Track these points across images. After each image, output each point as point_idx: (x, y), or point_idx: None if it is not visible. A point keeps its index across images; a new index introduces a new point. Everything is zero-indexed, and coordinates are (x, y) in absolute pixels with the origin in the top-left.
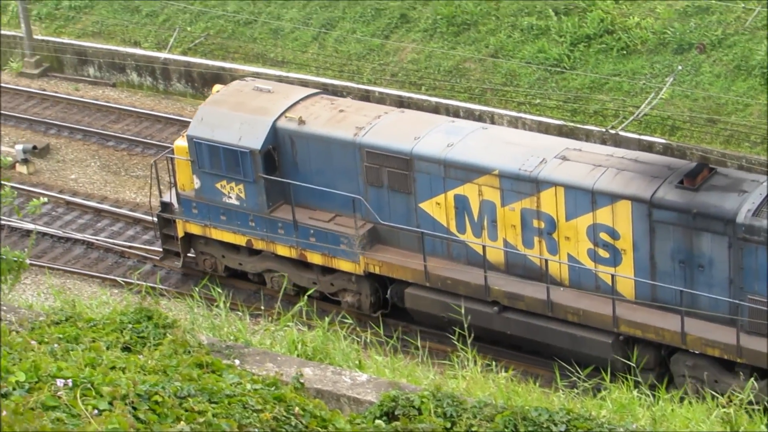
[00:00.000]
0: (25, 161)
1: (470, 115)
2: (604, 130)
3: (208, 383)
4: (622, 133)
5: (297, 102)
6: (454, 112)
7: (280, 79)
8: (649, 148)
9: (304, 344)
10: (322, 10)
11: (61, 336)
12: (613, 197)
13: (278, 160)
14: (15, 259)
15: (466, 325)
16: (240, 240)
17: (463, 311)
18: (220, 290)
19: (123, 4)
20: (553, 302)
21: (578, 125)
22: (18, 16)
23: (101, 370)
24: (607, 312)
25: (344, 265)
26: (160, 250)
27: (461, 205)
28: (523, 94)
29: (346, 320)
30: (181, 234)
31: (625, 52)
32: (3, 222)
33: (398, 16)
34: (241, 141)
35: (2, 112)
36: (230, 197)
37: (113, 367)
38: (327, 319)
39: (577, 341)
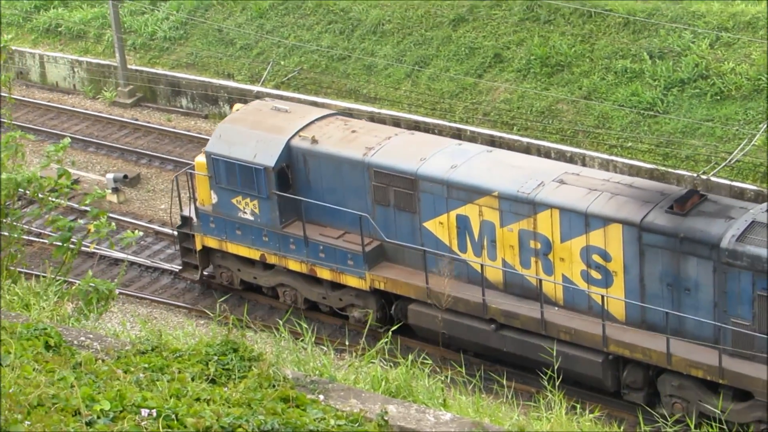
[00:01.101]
0: (116, 190)
1: (561, 156)
2: (695, 175)
3: (292, 418)
4: (713, 178)
5: (312, 122)
6: (545, 153)
7: (371, 117)
8: (740, 194)
9: (387, 381)
10: (416, 47)
11: (146, 366)
12: (606, 220)
13: (292, 178)
14: (104, 288)
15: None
16: (254, 254)
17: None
18: (305, 324)
19: (217, 36)
20: (546, 321)
21: (670, 170)
22: (113, 46)
23: (186, 402)
24: (597, 332)
25: (351, 281)
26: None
27: (463, 224)
28: (615, 137)
29: (427, 360)
30: (199, 247)
31: (718, 97)
32: (94, 250)
33: (492, 55)
34: (256, 158)
35: (94, 140)
36: (245, 212)
37: (198, 399)
38: (410, 357)
39: (569, 360)
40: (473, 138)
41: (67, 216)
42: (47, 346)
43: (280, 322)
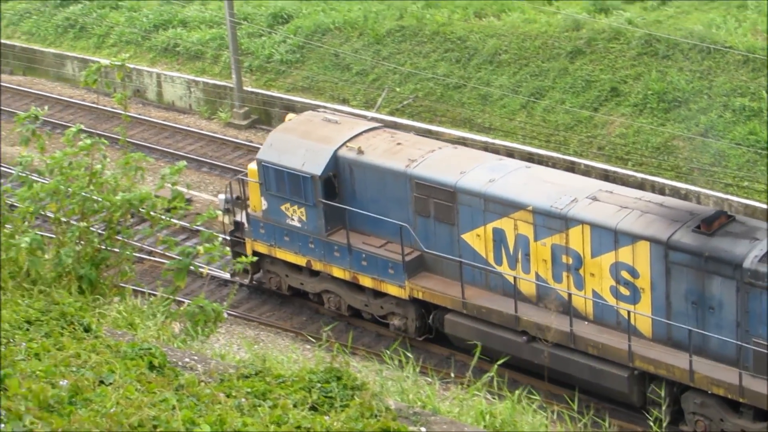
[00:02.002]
0: (227, 211)
1: (675, 193)
2: None
3: None
4: None
5: (360, 133)
6: (660, 190)
7: (485, 146)
8: None
9: (492, 415)
10: (532, 78)
11: (249, 390)
12: (634, 237)
13: (338, 187)
14: (213, 310)
15: (664, 408)
16: (300, 261)
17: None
18: (410, 354)
19: (334, 61)
20: (575, 335)
21: None
22: (230, 67)
23: (286, 429)
24: (624, 347)
25: (392, 290)
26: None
27: (499, 237)
28: (731, 175)
29: (534, 394)
30: (249, 253)
31: None
32: (206, 270)
33: (609, 89)
34: (304, 166)
35: (208, 161)
36: (293, 219)
37: (299, 427)
38: (517, 392)
39: (596, 374)
40: (587, 172)
41: (178, 236)
42: (151, 367)
43: (386, 351)
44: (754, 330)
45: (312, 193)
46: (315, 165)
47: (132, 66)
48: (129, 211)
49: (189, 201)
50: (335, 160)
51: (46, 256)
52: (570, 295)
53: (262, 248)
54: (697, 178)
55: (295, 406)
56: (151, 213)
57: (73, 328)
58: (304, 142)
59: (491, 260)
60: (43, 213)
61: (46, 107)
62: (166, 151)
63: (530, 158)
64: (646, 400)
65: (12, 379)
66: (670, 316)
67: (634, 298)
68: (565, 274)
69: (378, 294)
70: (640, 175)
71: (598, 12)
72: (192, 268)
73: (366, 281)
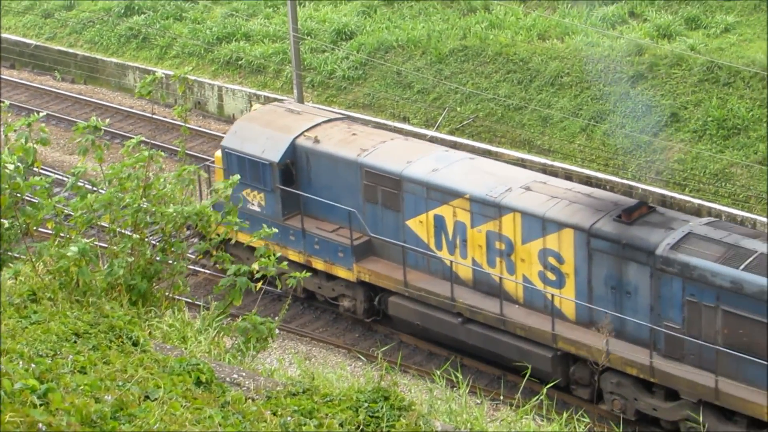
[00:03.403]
0: None
1: (732, 220)
2: None
3: None
4: None
5: (318, 124)
6: (716, 215)
7: (543, 169)
8: None
9: None
10: (593, 101)
11: (296, 408)
12: (560, 225)
13: (295, 174)
14: (265, 327)
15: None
16: (259, 244)
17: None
18: (460, 375)
19: (396, 78)
20: (505, 317)
21: None
22: (291, 82)
23: None
24: (548, 329)
25: (341, 272)
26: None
27: (439, 224)
28: None
29: (584, 418)
30: (213, 235)
31: None
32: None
33: (669, 114)
34: (264, 154)
35: None
36: (253, 204)
37: None
38: (565, 414)
39: (524, 354)
40: (644, 197)
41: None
42: (198, 382)
43: (437, 372)
44: (665, 314)
45: (270, 179)
46: (274, 152)
47: (193, 78)
48: (184, 224)
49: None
50: (293, 148)
51: (99, 267)
52: (501, 279)
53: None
54: (753, 205)
55: (341, 425)
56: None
57: (121, 342)
58: (265, 131)
59: (432, 245)
60: (97, 224)
61: (107, 119)
62: None
63: (588, 182)
64: (570, 380)
65: (55, 393)
66: (592, 300)
67: (560, 282)
68: (498, 259)
69: (330, 277)
70: (697, 201)
71: (661, 38)
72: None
73: (318, 264)
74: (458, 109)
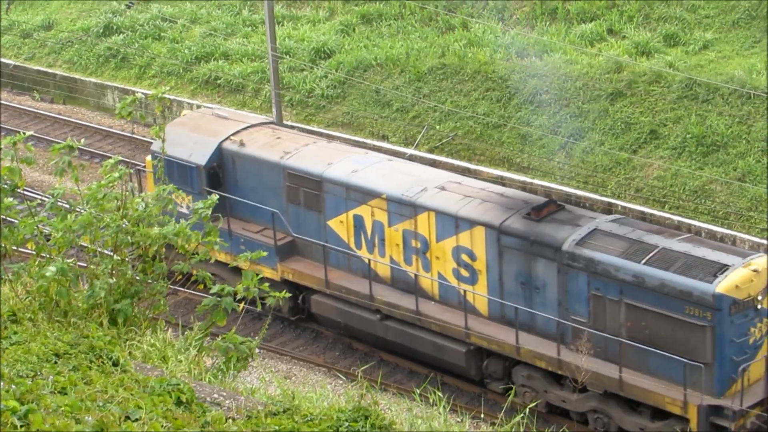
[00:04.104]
0: None
1: (712, 237)
2: None
3: None
4: None
5: (245, 128)
6: (696, 232)
7: (523, 186)
8: None
9: None
10: (572, 119)
11: (276, 428)
12: (472, 223)
13: (222, 177)
14: (245, 347)
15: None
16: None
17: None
18: (440, 394)
19: (374, 97)
20: (421, 313)
21: None
22: (270, 101)
23: None
24: (462, 324)
25: (266, 272)
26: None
27: (359, 223)
28: None
29: None
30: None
31: None
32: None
33: (648, 131)
34: (191, 157)
35: None
36: (182, 207)
37: None
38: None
39: (439, 349)
40: (625, 213)
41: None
42: (179, 402)
43: (417, 390)
44: (572, 308)
45: (198, 182)
46: (201, 156)
47: (172, 98)
48: (164, 244)
49: None
50: (219, 152)
51: (80, 286)
52: (416, 276)
53: None
54: (733, 222)
55: None
56: (186, 248)
57: (102, 362)
58: (193, 135)
59: (352, 244)
60: (77, 245)
61: (82, 139)
62: None
63: (567, 199)
64: (483, 374)
65: (35, 415)
66: (503, 295)
67: (473, 279)
68: (414, 257)
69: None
70: (676, 218)
71: (639, 55)
72: (227, 306)
73: (244, 264)
74: (437, 127)
